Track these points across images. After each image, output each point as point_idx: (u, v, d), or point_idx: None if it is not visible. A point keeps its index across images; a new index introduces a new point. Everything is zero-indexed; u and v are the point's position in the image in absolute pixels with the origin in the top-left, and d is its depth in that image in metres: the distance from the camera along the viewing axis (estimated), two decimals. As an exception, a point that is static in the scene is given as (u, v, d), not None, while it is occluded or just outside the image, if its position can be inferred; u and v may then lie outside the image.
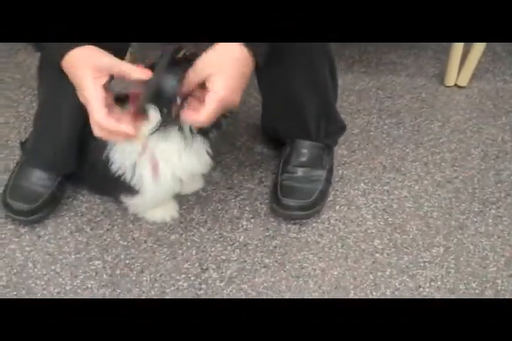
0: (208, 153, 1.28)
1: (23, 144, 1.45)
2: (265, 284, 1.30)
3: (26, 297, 1.25)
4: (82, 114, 1.29)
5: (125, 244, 1.36)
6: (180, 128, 1.16)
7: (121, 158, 1.25)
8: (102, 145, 1.26)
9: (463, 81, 1.80)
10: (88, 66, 1.06)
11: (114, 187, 1.32)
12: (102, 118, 1.06)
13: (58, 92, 1.28)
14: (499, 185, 1.54)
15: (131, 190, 1.29)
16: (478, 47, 1.72)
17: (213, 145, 1.29)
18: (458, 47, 1.72)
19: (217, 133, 1.24)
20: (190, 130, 1.17)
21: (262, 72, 1.31)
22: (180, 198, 1.44)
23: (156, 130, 1.14)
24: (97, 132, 1.08)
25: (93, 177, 1.37)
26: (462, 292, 1.30)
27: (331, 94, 1.41)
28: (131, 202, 1.36)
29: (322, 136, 1.44)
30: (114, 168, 1.26)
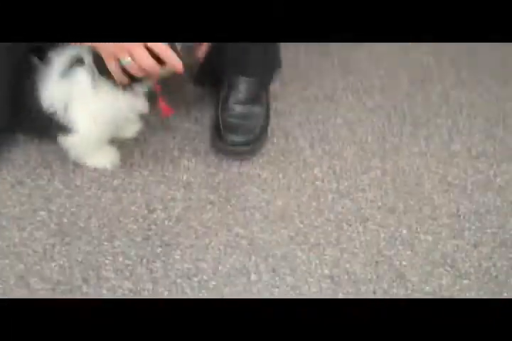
0: (141, 96, 1.29)
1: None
2: (213, 220, 1.32)
3: (-25, 253, 1.25)
4: (8, 69, 1.28)
5: (69, 192, 1.35)
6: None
7: (52, 96, 1.26)
8: (33, 85, 1.26)
9: None
10: None
11: (48, 127, 1.31)
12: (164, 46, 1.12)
13: None
14: (427, 106, 1.59)
15: (65, 129, 1.29)
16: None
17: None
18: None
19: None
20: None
21: None
22: (118, 143, 1.44)
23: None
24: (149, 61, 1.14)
25: (28, 120, 1.35)
26: (401, 210, 1.36)
27: None
28: (69, 144, 1.34)
29: (260, 71, 1.45)
30: (45, 106, 1.27)
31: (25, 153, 1.42)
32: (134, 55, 1.12)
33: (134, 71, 1.15)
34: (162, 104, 1.30)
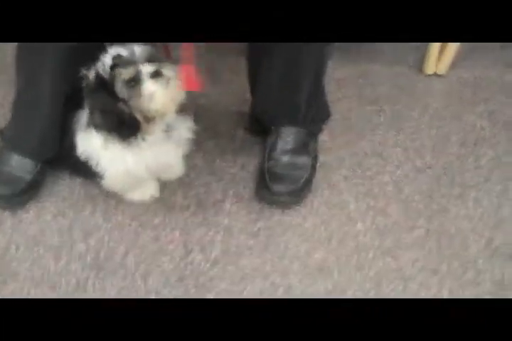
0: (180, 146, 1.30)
1: (1, 132, 1.43)
2: (250, 266, 1.30)
3: (9, 279, 1.24)
4: (61, 99, 1.30)
5: (109, 227, 1.35)
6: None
7: (85, 143, 1.26)
8: (72, 128, 1.27)
9: (442, 69, 1.81)
10: None
11: (84, 170, 1.31)
12: None
13: (38, 79, 1.27)
14: (478, 170, 1.56)
15: (97, 175, 1.29)
16: (457, 36, 1.74)
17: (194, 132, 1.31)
18: (437, 36, 1.74)
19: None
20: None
21: (261, 59, 1.32)
22: (162, 182, 1.43)
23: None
24: None
25: (71, 161, 1.35)
26: (444, 272, 1.32)
27: (324, 73, 1.42)
28: (105, 186, 1.34)
29: (308, 121, 1.45)
30: (78, 152, 1.27)
31: (69, 185, 1.43)
32: None
33: None
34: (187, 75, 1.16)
